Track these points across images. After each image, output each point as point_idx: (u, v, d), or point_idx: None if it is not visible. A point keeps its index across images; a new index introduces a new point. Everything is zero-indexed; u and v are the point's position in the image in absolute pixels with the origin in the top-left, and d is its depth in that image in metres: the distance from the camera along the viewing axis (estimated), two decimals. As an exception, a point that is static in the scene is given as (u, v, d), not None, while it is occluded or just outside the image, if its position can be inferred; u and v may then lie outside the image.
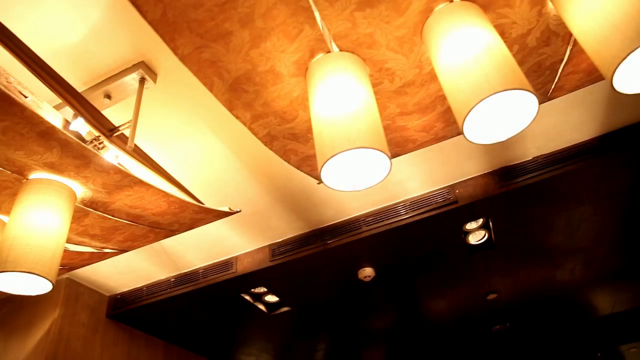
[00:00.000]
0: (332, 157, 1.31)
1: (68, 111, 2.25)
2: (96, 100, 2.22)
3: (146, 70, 2.16)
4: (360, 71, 1.53)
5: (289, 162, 2.03)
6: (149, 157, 2.22)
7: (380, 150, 1.33)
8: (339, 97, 1.42)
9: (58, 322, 3.32)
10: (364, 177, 1.48)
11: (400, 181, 3.14)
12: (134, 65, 2.16)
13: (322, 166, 1.34)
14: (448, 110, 2.02)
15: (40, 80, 1.75)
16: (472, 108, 1.25)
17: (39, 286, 1.82)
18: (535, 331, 5.65)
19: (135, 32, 2.03)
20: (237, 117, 1.63)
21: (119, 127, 2.04)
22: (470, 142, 1.36)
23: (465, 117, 1.28)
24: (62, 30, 2.00)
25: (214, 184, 2.87)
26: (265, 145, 1.82)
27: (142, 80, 2.16)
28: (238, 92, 1.53)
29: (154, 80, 2.19)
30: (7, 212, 2.03)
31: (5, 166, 1.78)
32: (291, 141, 1.86)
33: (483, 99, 1.24)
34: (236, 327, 4.48)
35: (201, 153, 2.66)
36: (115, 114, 2.31)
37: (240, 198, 3.00)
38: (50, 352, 3.16)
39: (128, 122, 2.01)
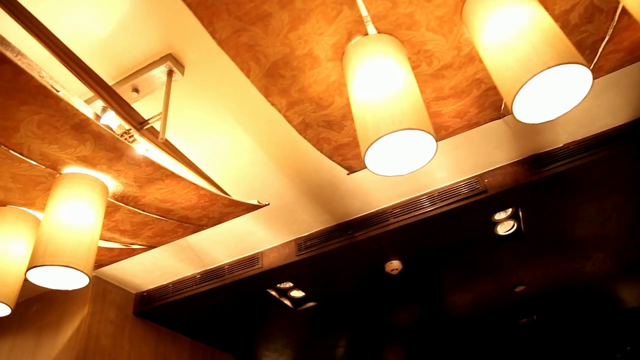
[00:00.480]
0: (377, 139, 1.27)
1: (97, 106, 2.24)
2: (124, 94, 2.20)
3: (174, 62, 2.14)
4: (399, 53, 1.48)
5: (321, 151, 2.00)
6: (178, 150, 2.21)
7: (426, 132, 1.28)
8: (380, 79, 1.38)
9: (87, 320, 3.33)
10: (407, 161, 1.44)
11: (428, 171, 3.08)
12: (161, 58, 2.14)
13: (367, 150, 1.30)
14: (483, 94, 1.97)
15: (73, 74, 1.74)
16: (523, 85, 1.20)
17: (74, 281, 1.81)
18: (563, 324, 5.55)
19: (163, 24, 2.01)
20: (272, 104, 1.60)
21: (148, 120, 2.02)
22: (521, 122, 1.31)
23: (516, 95, 1.23)
24: (90, 24, 1.99)
25: (240, 178, 2.85)
26: (300, 133, 1.79)
27: (169, 73, 2.14)
28: (275, 77, 1.50)
29: (182, 73, 2.17)
30: (41, 208, 2.03)
31: (39, 161, 1.77)
32: (325, 129, 1.82)
33: (535, 75, 1.19)
34: (261, 323, 4.47)
35: (228, 146, 2.64)
36: (143, 107, 2.29)
37: (267, 192, 2.98)
38: (81, 348, 3.17)
39: (158, 115, 1.99)
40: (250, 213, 2.96)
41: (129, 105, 1.96)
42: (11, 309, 1.85)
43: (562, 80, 1.30)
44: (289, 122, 1.71)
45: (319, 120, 1.76)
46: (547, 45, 1.20)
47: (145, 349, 3.81)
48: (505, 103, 1.28)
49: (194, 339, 4.46)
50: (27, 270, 1.65)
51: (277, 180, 2.93)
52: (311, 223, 3.32)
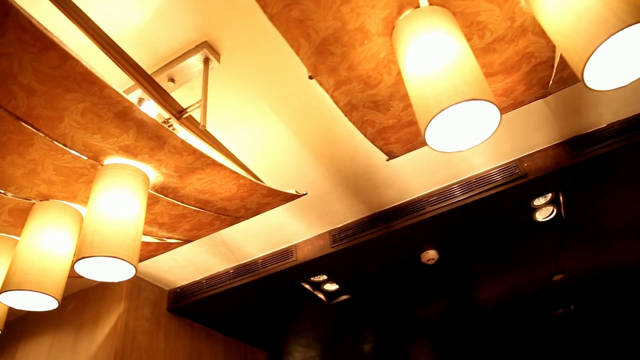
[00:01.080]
0: (439, 112, 1.20)
1: (133, 98, 2.22)
2: (160, 84, 2.18)
3: (210, 50, 2.10)
4: (454, 25, 1.42)
5: (365, 135, 1.94)
6: (216, 139, 2.17)
7: (490, 102, 1.22)
8: (437, 51, 1.31)
9: (124, 317, 3.33)
10: (465, 137, 1.37)
11: (465, 157, 3.00)
12: (197, 46, 2.10)
13: (428, 123, 1.24)
14: (532, 70, 1.89)
15: (114, 61, 1.71)
16: (597, 47, 1.13)
17: (120, 272, 1.79)
18: (601, 314, 5.40)
19: (199, 11, 1.97)
20: (320, 84, 1.55)
21: (186, 108, 1.99)
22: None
23: (589, 57, 1.15)
24: (126, 14, 1.96)
25: (275, 168, 2.81)
26: (345, 115, 1.73)
27: (206, 61, 2.10)
28: (324, 55, 1.44)
29: (218, 60, 2.13)
30: (83, 201, 2.01)
31: (82, 152, 1.75)
32: (371, 110, 1.77)
33: (611, 36, 1.11)
34: (294, 318, 4.43)
35: (263, 136, 2.60)
36: (178, 98, 2.26)
37: (301, 182, 2.93)
38: (119, 345, 3.17)
39: (197, 102, 1.95)
40: (283, 205, 2.93)
41: (167, 94, 1.93)
42: (58, 302, 1.83)
43: (636, 41, 1.22)
44: (336, 103, 1.65)
45: (365, 100, 1.70)
46: (624, 3, 1.13)
47: (179, 346, 3.80)
48: (574, 70, 1.21)
49: (227, 335, 4.44)
50: (75, 262, 1.63)
51: (312, 171, 2.88)
52: (345, 214, 3.27)
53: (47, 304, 1.89)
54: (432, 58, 1.30)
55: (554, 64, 1.86)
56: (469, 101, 1.20)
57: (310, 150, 2.73)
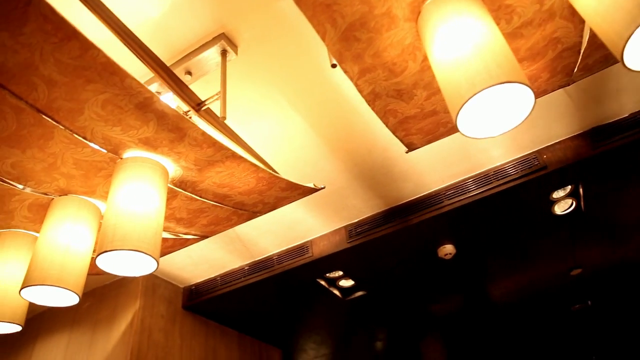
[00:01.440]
0: (473, 95, 1.17)
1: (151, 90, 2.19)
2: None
3: (227, 42, 2.07)
4: (482, 8, 1.38)
5: (387, 125, 1.91)
6: (234, 132, 2.14)
7: (524, 84, 1.18)
8: (467, 35, 1.28)
9: (139, 314, 3.32)
10: (497, 122, 1.34)
11: (483, 149, 2.96)
12: (214, 38, 2.08)
13: (460, 108, 1.20)
14: (558, 56, 1.84)
15: (134, 53, 1.69)
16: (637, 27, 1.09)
17: (141, 267, 1.77)
18: (620, 310, 5.33)
19: (215, 2, 1.95)
20: (345, 71, 1.52)
21: (205, 101, 1.97)
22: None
23: (629, 37, 1.11)
24: (141, 7, 1.94)
25: (292, 162, 2.78)
26: (368, 104, 1.70)
27: (223, 53, 2.08)
28: (350, 41, 1.41)
29: (235, 52, 2.11)
30: (101, 196, 1.99)
31: (102, 145, 1.73)
32: (394, 99, 1.73)
33: (654, 13, 1.07)
34: (308, 315, 4.41)
35: (280, 129, 2.57)
36: (195, 90, 2.24)
37: (318, 176, 2.90)
38: (136, 342, 3.16)
39: (216, 94, 1.93)
40: (299, 201, 2.89)
41: (186, 86, 1.91)
42: (79, 297, 1.81)
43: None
44: (360, 91, 1.62)
45: (389, 89, 1.67)
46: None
47: (195, 343, 3.79)
48: (612, 51, 1.16)
49: (242, 333, 4.43)
50: (97, 256, 1.61)
51: (329, 164, 2.84)
52: (362, 208, 3.23)
53: (67, 299, 1.88)
54: (463, 41, 1.27)
55: (580, 49, 1.82)
56: (504, 84, 1.16)
57: (327, 144, 2.70)
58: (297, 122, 2.53)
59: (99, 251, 1.60)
